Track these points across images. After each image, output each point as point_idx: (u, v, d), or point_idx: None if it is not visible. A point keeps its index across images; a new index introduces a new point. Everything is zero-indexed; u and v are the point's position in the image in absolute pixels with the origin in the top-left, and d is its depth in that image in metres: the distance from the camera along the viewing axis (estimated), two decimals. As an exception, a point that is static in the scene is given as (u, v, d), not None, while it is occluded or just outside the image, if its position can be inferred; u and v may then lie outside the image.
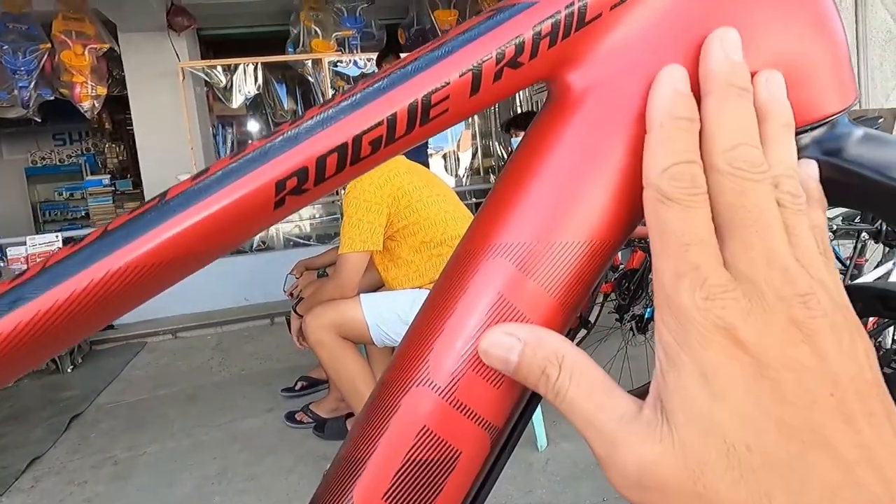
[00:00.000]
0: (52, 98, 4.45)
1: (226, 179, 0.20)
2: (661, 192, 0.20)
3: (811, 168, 0.23)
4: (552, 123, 0.24)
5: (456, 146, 6.21)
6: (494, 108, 6.17)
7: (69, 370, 3.56)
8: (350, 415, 2.31)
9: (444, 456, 0.22)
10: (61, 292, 0.20)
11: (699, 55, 0.22)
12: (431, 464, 0.22)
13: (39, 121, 4.72)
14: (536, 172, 0.24)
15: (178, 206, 0.20)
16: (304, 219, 5.16)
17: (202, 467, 2.21)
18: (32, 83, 4.32)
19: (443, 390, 0.22)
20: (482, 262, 0.23)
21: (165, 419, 2.70)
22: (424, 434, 0.22)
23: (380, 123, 0.22)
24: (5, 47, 4.17)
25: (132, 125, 4.90)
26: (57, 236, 4.10)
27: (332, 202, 5.03)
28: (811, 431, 0.17)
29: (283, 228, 5.10)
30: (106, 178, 6.29)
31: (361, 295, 1.89)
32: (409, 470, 0.22)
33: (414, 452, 0.22)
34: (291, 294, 2.59)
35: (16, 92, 4.34)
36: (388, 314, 1.85)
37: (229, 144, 5.64)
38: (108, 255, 0.19)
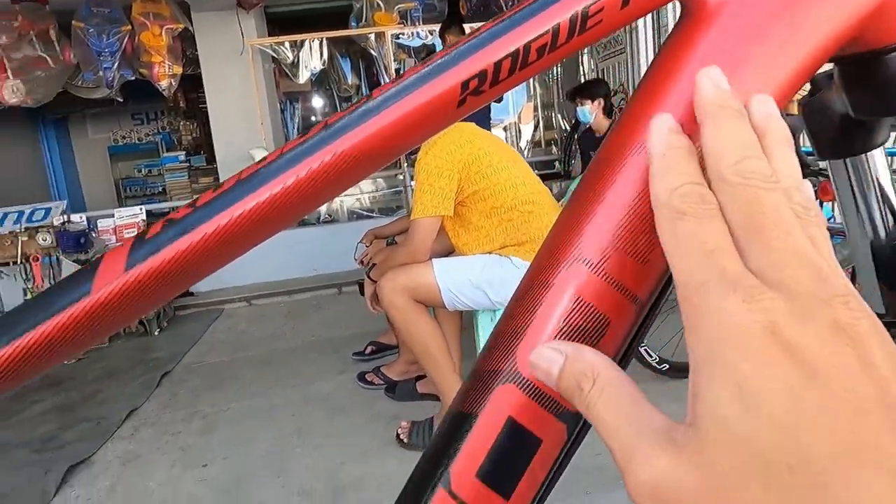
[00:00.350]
0: (132, 78, 4.70)
1: (419, 82, 0.24)
2: (674, 208, 0.20)
3: (808, 188, 0.22)
4: (687, 38, 0.26)
5: (517, 118, 6.15)
6: (558, 79, 6.06)
7: (156, 333, 3.81)
8: (420, 377, 2.38)
9: (595, 322, 0.24)
10: (276, 185, 0.24)
11: None
12: (585, 329, 0.24)
13: (121, 100, 4.99)
14: (678, 78, 0.26)
15: (381, 104, 0.23)
16: (365, 192, 5.27)
17: (280, 424, 2.34)
18: (115, 64, 4.57)
19: (595, 265, 0.24)
20: (629, 157, 0.25)
21: (244, 380, 2.86)
22: (579, 303, 0.24)
23: (546, 32, 0.25)
24: (91, 30, 4.43)
25: (205, 103, 5.10)
26: (140, 209, 4.37)
27: (395, 175, 5.11)
28: (864, 445, 0.16)
29: (347, 202, 5.23)
30: (181, 155, 6.60)
31: (433, 260, 1.94)
32: (566, 335, 0.24)
33: (571, 318, 0.24)
34: (362, 262, 2.67)
35: (101, 73, 4.61)
36: (460, 278, 1.89)
37: (297, 120, 5.80)
38: (330, 142, 0.23)
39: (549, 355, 0.21)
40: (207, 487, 1.98)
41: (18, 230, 4.16)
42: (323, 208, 5.28)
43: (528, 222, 1.93)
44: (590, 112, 3.62)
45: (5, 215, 4.60)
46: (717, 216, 0.19)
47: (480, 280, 1.90)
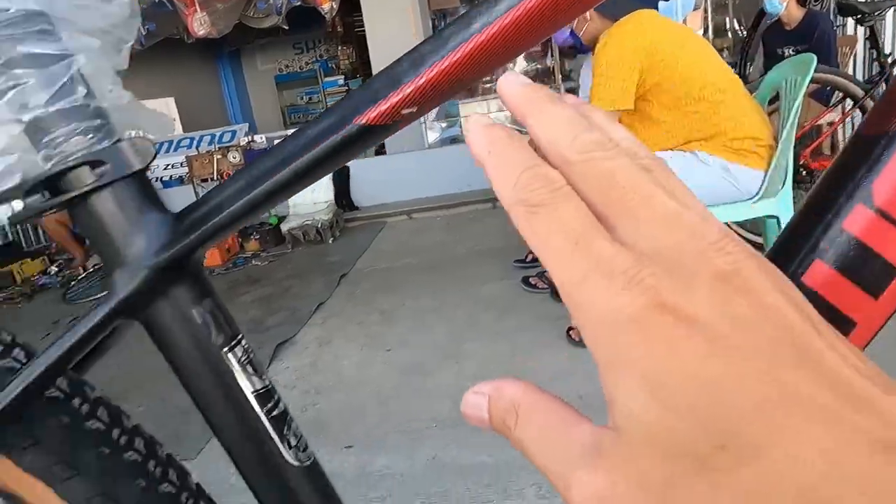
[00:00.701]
0: (298, 3, 4.96)
1: None
2: (523, 204, 0.18)
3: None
4: None
5: (683, 23, 5.60)
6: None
7: (330, 241, 4.20)
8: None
9: None
10: None
11: None
12: None
13: (287, 28, 5.31)
14: None
15: None
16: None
17: (452, 319, 2.51)
18: (284, -10, 4.85)
19: None
20: None
21: (414, 283, 3.07)
22: None
23: None
24: (261, -43, 4.70)
25: (361, 27, 5.26)
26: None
27: (549, 86, 4.95)
28: (785, 395, 0.15)
29: (499, 119, 5.20)
30: (340, 79, 6.94)
31: (610, 157, 1.88)
32: None
33: None
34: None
35: (271, 1, 4.92)
36: (640, 175, 1.83)
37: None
38: None
39: (473, 401, 0.20)
40: (392, 367, 2.20)
41: (213, 150, 4.70)
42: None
43: (716, 113, 1.79)
44: (779, 1, 3.19)
45: (202, 138, 5.23)
46: (571, 197, 0.18)
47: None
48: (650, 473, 0.16)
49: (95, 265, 4.29)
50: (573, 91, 4.74)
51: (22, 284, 4.38)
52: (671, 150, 1.87)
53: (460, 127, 5.64)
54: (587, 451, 0.17)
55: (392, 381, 2.10)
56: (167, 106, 6.47)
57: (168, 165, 5.11)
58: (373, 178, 4.81)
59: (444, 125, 5.55)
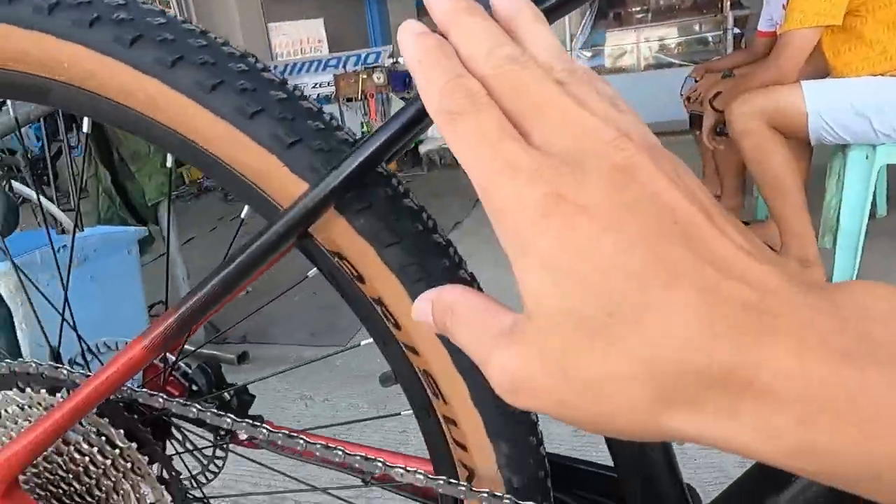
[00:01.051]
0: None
1: None
2: (446, 111, 0.20)
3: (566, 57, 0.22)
4: None
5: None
6: None
7: (465, 167, 4.23)
8: (745, 222, 2.22)
9: None
10: None
11: None
12: None
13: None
14: None
15: None
16: (669, 39, 4.83)
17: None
18: None
19: None
20: None
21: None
22: None
23: None
24: None
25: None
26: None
27: (714, 15, 4.52)
28: (666, 270, 0.17)
29: (644, 51, 4.88)
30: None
31: (803, 81, 1.69)
32: None
33: None
34: (688, 98, 2.49)
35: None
36: (839, 103, 1.63)
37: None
38: None
39: (420, 307, 0.23)
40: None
41: (359, 69, 4.84)
42: (632, 58, 5.06)
43: (951, 33, 1.53)
44: None
45: (347, 58, 5.39)
46: (489, 105, 0.20)
47: (866, 105, 1.61)
48: (550, 345, 0.18)
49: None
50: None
51: (189, 185, 4.89)
52: (882, 75, 1.63)
53: (605, 56, 5.34)
54: (503, 334, 0.20)
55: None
56: (316, 27, 6.71)
57: (316, 84, 5.34)
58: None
59: (588, 55, 5.28)
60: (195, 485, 0.51)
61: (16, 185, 1.56)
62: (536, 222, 0.18)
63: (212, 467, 0.54)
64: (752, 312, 0.16)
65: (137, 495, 0.49)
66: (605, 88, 0.21)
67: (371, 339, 0.41)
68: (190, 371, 0.54)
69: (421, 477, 0.40)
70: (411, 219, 0.35)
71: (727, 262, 0.17)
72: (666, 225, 0.17)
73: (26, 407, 0.49)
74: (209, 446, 0.55)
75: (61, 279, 0.56)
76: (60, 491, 0.49)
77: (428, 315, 0.23)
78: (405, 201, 0.35)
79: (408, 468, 0.41)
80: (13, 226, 1.38)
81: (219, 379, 0.54)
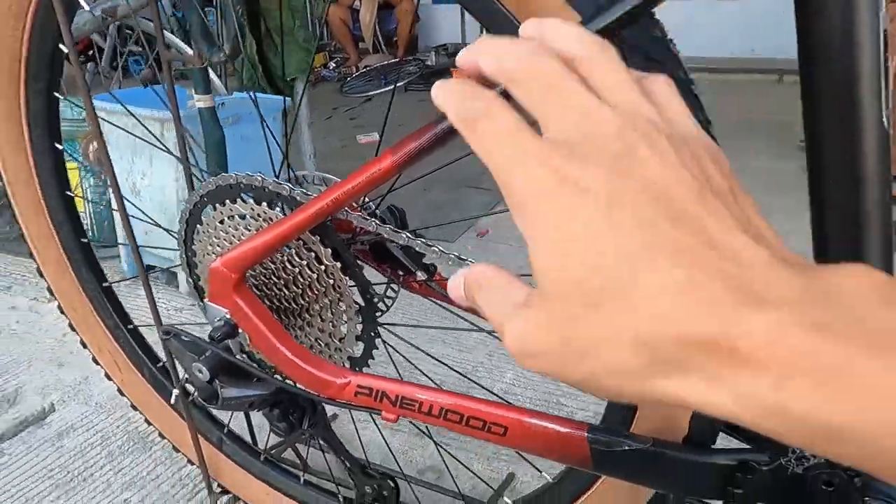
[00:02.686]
0: None
1: None
2: (462, 117, 0.23)
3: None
4: None
5: None
6: None
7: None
8: None
9: None
10: None
11: None
12: None
13: None
14: None
15: None
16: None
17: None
18: None
19: None
20: None
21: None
22: None
23: None
24: None
25: None
26: None
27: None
28: (653, 243, 0.19)
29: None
30: None
31: None
32: None
33: None
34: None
35: None
36: None
37: None
38: None
39: (454, 283, 0.26)
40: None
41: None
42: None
43: None
44: None
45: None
46: (500, 103, 0.22)
47: None
48: (555, 315, 0.20)
49: (366, 66, 4.70)
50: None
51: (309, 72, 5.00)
52: None
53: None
54: (518, 305, 0.22)
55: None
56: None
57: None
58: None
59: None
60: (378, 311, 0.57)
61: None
62: (544, 205, 0.20)
63: (387, 301, 0.60)
64: (736, 286, 0.18)
65: (334, 310, 0.55)
66: (622, 74, 0.23)
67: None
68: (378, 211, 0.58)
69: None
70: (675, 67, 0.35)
71: (717, 240, 0.19)
72: (661, 206, 0.19)
73: (248, 217, 0.55)
74: (385, 282, 0.60)
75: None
76: (273, 293, 0.56)
77: (461, 290, 0.26)
78: (671, 46, 0.35)
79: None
80: (237, 52, 1.49)
81: (403, 223, 0.58)
